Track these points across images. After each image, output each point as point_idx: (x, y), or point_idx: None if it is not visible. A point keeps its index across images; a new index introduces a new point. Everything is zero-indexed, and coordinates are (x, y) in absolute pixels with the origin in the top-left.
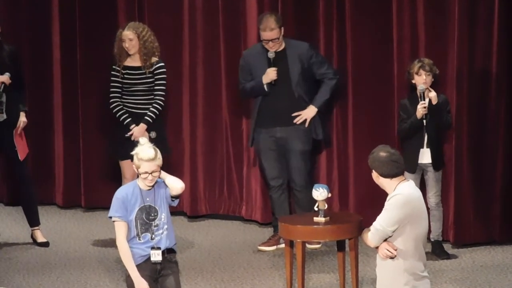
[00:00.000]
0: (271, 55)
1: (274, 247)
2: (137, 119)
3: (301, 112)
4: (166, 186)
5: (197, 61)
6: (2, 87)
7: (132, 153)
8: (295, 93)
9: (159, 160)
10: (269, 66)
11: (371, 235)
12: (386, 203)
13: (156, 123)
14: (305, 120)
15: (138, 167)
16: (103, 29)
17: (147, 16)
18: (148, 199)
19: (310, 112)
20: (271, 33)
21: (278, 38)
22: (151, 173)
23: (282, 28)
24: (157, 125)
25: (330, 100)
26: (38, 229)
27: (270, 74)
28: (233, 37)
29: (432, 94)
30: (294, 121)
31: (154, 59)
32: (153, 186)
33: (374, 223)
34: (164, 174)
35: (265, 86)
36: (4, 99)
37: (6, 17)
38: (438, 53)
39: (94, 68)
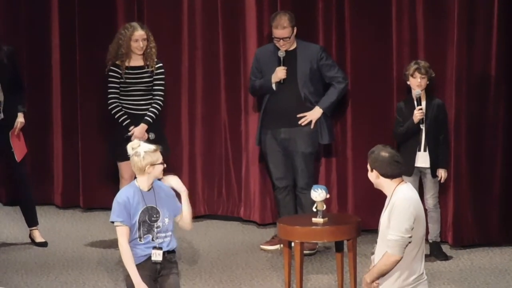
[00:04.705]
0: (281, 54)
1: (277, 246)
2: (135, 119)
3: (306, 113)
4: (174, 195)
5: (196, 61)
6: None
7: (130, 154)
8: (301, 94)
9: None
10: (279, 65)
11: (392, 249)
12: (393, 210)
13: (155, 124)
14: (311, 121)
15: (153, 163)
16: (103, 30)
17: (146, 16)
18: (149, 200)
19: (315, 113)
20: (282, 31)
21: (289, 37)
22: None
23: (295, 28)
24: (156, 126)
25: (338, 104)
26: (37, 229)
27: (279, 73)
28: (232, 37)
29: (442, 175)
30: (299, 122)
31: (155, 59)
32: (152, 187)
33: (388, 237)
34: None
35: (273, 85)
36: (2, 98)
37: (5, 17)
38: (437, 55)
39: (93, 68)
